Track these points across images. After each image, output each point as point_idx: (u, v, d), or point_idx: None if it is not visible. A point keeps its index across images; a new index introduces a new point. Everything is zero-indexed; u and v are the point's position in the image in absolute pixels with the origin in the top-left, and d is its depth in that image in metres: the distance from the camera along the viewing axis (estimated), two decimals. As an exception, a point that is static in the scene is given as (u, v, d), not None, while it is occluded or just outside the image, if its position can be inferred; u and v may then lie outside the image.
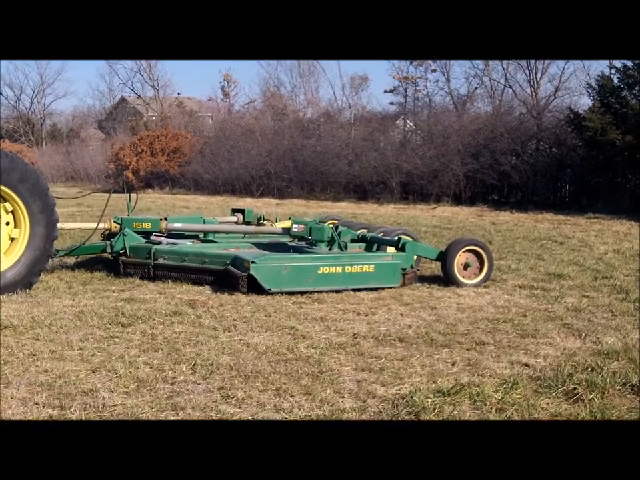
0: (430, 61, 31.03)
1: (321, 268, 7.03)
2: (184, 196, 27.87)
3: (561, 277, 8.13)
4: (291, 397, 4.00)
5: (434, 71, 31.81)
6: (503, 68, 27.61)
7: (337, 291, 7.00)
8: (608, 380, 4.18)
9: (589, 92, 20.44)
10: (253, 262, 6.81)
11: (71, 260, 8.66)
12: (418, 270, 8.03)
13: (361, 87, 33.82)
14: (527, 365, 4.67)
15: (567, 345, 5.21)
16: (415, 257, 7.97)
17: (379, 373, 4.46)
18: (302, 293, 6.86)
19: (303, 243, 8.42)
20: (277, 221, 9.82)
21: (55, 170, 41.35)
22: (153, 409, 3.77)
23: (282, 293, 6.82)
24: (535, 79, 26.21)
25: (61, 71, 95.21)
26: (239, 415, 3.72)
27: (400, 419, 3.68)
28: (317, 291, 6.92)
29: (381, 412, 3.77)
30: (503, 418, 3.71)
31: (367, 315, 6.14)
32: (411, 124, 29.24)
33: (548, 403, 3.92)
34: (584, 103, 25.29)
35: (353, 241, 8.15)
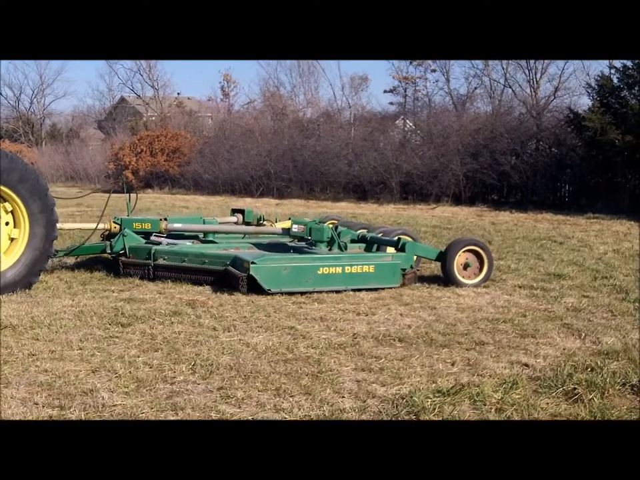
0: (430, 61, 31.05)
1: (321, 268, 7.03)
2: (183, 196, 27.87)
3: (560, 277, 8.13)
4: (290, 396, 3.99)
5: (434, 71, 31.83)
6: (503, 68, 27.64)
7: (337, 291, 7.00)
8: (608, 380, 4.18)
9: (588, 92, 20.46)
10: (252, 262, 6.81)
11: (70, 260, 8.66)
12: (418, 270, 8.03)
13: (361, 87, 33.83)
14: (526, 365, 4.67)
15: (567, 345, 5.21)
16: (415, 257, 7.97)
17: (379, 373, 4.46)
18: (302, 293, 6.86)
19: (302, 244, 8.42)
20: (276, 222, 9.82)
21: (55, 170, 41.34)
22: (152, 409, 3.77)
23: (282, 293, 6.82)
24: (534, 79, 26.23)
25: (61, 71, 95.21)
26: (238, 415, 3.72)
27: (400, 419, 3.68)
28: (316, 291, 6.92)
29: (380, 412, 3.77)
30: (503, 418, 3.71)
31: (367, 315, 6.14)
32: (411, 124, 29.24)
33: (548, 403, 3.92)
34: (584, 103, 25.39)
35: (352, 241, 8.15)
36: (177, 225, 8.53)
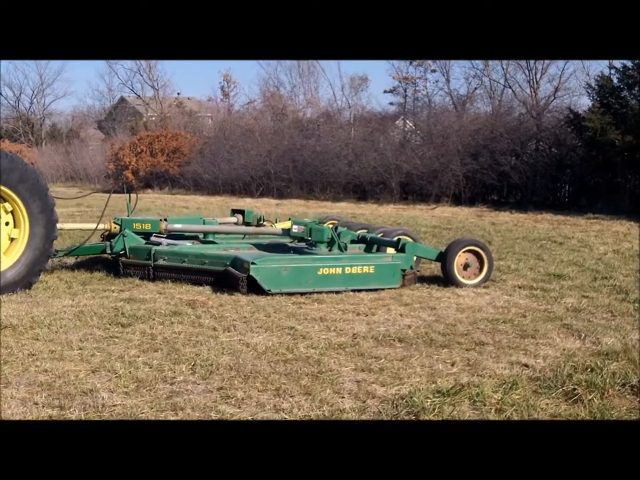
0: (429, 61, 31.05)
1: (321, 269, 7.03)
2: (183, 196, 27.87)
3: (560, 278, 8.13)
4: (290, 397, 3.99)
5: (433, 71, 31.82)
6: (503, 68, 27.65)
7: (337, 292, 7.00)
8: (607, 380, 4.18)
9: (588, 92, 20.47)
10: (252, 263, 6.81)
11: (70, 260, 8.66)
12: (418, 271, 8.03)
13: (361, 87, 33.83)
14: (526, 366, 4.67)
15: (567, 346, 5.21)
16: (415, 258, 7.97)
17: (379, 373, 4.46)
18: (302, 294, 6.86)
19: (302, 244, 8.42)
20: (276, 222, 9.82)
21: (55, 170, 41.35)
22: (152, 409, 3.76)
23: (282, 294, 6.82)
24: (534, 79, 26.24)
25: (61, 71, 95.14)
26: (238, 415, 3.72)
27: (399, 419, 3.68)
28: (316, 292, 6.92)
29: (380, 412, 3.77)
30: (503, 418, 3.71)
31: (367, 315, 6.14)
32: (411, 124, 29.24)
33: (547, 404, 3.92)
34: (584, 103, 25.42)
35: (352, 241, 8.15)
36: (177, 226, 8.53)
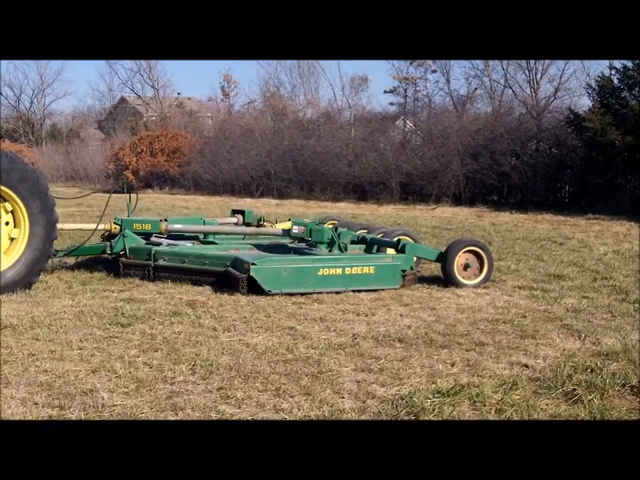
0: (430, 62, 31.06)
1: (321, 269, 7.03)
2: (183, 196, 27.88)
3: (560, 278, 8.13)
4: (290, 397, 3.99)
5: (434, 71, 31.84)
6: (503, 68, 27.67)
7: (337, 292, 7.00)
8: (607, 381, 4.18)
9: (588, 93, 20.47)
10: (253, 264, 6.81)
11: (70, 260, 8.66)
12: (418, 272, 8.03)
13: (361, 87, 33.87)
14: (526, 366, 4.67)
15: (567, 346, 5.21)
16: (415, 258, 7.97)
17: (379, 373, 4.46)
18: (302, 294, 6.86)
19: (302, 245, 8.42)
20: (276, 222, 9.82)
21: (55, 170, 41.36)
22: (152, 409, 3.76)
23: (282, 294, 6.82)
24: (534, 80, 26.26)
25: (61, 71, 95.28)
26: (238, 415, 3.71)
27: (399, 419, 3.68)
28: (316, 292, 6.92)
29: (380, 412, 3.77)
30: (503, 418, 3.71)
31: (367, 316, 6.14)
32: (411, 124, 29.25)
33: (547, 404, 3.91)
34: (584, 103, 25.42)
35: (352, 242, 8.15)
36: (177, 226, 8.53)
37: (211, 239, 8.68)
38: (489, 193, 23.06)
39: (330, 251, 7.73)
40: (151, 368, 4.47)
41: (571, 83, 26.29)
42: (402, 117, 30.33)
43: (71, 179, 40.21)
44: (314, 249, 7.93)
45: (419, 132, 27.34)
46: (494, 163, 21.47)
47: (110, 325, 5.60)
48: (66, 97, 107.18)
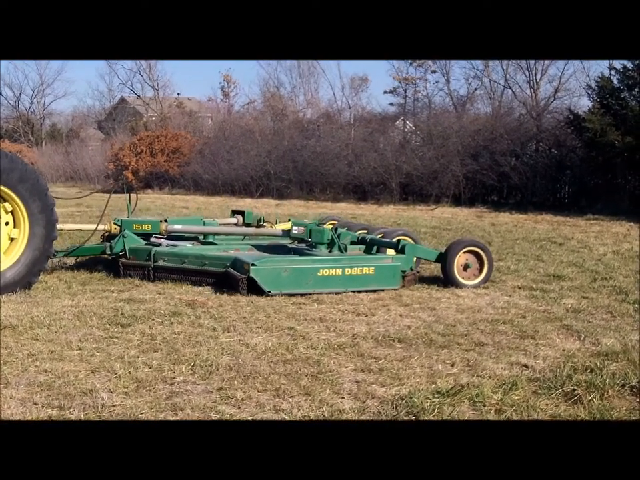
0: (430, 62, 31.08)
1: (321, 270, 7.03)
2: (183, 196, 27.87)
3: (560, 278, 8.13)
4: (290, 397, 3.99)
5: (434, 71, 31.87)
6: (503, 69, 27.69)
7: (337, 292, 7.00)
8: (607, 381, 4.17)
9: (588, 93, 20.48)
10: (252, 264, 6.80)
11: (70, 260, 8.65)
12: (418, 272, 8.02)
13: (361, 87, 33.91)
14: (526, 366, 4.67)
15: (566, 346, 5.20)
16: (415, 259, 7.96)
17: (378, 373, 4.46)
18: (301, 294, 6.86)
19: (302, 245, 8.42)
20: (276, 223, 9.82)
21: (55, 170, 41.34)
22: (152, 409, 3.76)
23: (282, 295, 6.82)
24: (534, 80, 26.28)
25: (61, 71, 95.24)
26: (238, 416, 3.71)
27: (399, 419, 3.68)
28: (316, 293, 6.92)
29: (380, 413, 3.77)
30: (502, 419, 3.71)
31: (367, 316, 6.14)
32: (411, 125, 29.25)
33: (547, 404, 3.91)
34: (584, 104, 25.42)
35: (352, 243, 8.15)
36: (177, 227, 8.53)
37: (210, 240, 8.68)
38: (488, 194, 23.06)
39: (330, 251, 7.73)
40: (150, 368, 4.47)
41: (571, 84, 26.36)
42: (402, 118, 30.33)
43: (71, 179, 40.20)
44: (314, 249, 7.93)
45: (418, 132, 27.34)
46: (494, 163, 21.47)
47: (110, 325, 5.60)
48: (66, 97, 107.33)
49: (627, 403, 3.96)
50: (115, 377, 4.27)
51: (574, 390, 4.07)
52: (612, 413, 3.74)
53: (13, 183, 6.61)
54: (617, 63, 19.53)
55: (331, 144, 26.76)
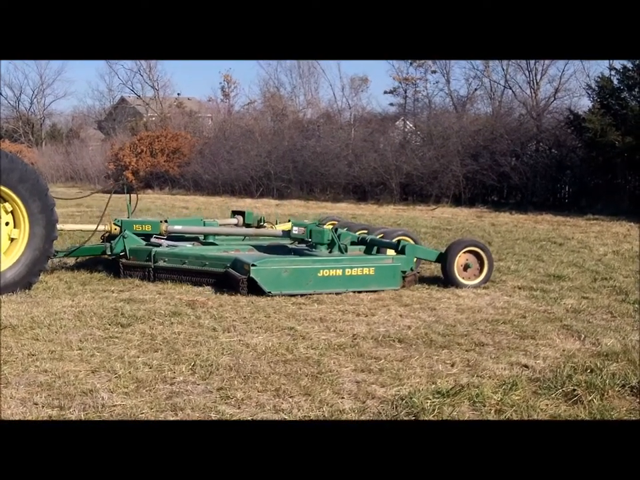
0: (430, 62, 31.09)
1: (321, 271, 7.03)
2: (183, 196, 27.88)
3: (560, 278, 8.13)
4: (290, 397, 3.99)
5: (434, 72, 31.87)
6: (503, 69, 27.69)
7: (337, 293, 7.00)
8: (607, 381, 4.17)
9: (588, 93, 20.49)
10: (253, 265, 6.80)
11: (70, 260, 8.65)
12: (418, 272, 8.02)
13: (361, 87, 33.91)
14: (526, 366, 4.67)
15: (566, 347, 5.20)
16: (415, 259, 7.96)
17: (379, 373, 4.46)
18: (302, 295, 6.86)
19: (303, 246, 8.42)
20: (276, 223, 9.82)
21: (55, 170, 41.33)
22: (152, 409, 3.76)
23: (282, 295, 6.82)
24: (534, 80, 26.27)
25: (61, 71, 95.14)
26: (238, 416, 3.71)
27: (399, 419, 3.68)
28: (316, 293, 6.92)
29: (380, 413, 3.77)
30: (502, 419, 3.70)
31: (367, 316, 6.14)
32: (411, 125, 29.26)
33: (547, 404, 3.91)
34: (584, 104, 25.39)
35: (352, 243, 8.14)
36: (178, 227, 8.53)
37: (211, 240, 8.68)
38: (488, 194, 23.07)
39: (330, 252, 7.73)
40: (150, 368, 4.47)
41: (571, 84, 26.37)
42: (402, 118, 30.34)
43: (71, 179, 40.20)
44: (314, 249, 7.93)
45: (418, 132, 27.36)
46: (494, 163, 21.48)
47: (110, 325, 5.60)
48: (66, 97, 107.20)
49: (627, 403, 3.96)
50: (115, 377, 4.27)
51: (574, 390, 4.07)
52: (612, 413, 3.74)
53: (13, 183, 6.61)
54: (617, 63, 19.56)
55: (331, 144, 26.77)
